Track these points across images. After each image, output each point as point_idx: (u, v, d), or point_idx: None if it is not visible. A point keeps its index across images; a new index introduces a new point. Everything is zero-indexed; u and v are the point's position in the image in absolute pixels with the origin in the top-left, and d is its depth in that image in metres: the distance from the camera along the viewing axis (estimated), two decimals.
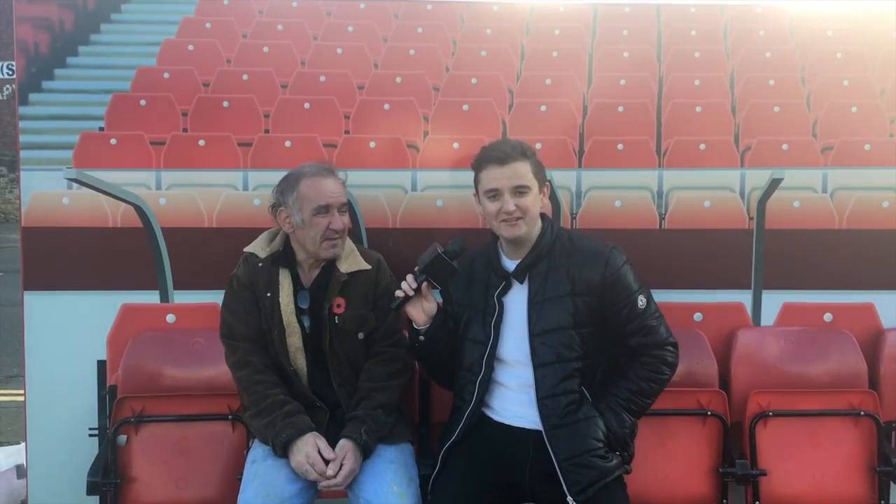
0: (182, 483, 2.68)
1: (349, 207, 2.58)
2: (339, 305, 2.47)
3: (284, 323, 2.44)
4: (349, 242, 2.56)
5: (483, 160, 2.33)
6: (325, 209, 2.41)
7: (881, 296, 3.09)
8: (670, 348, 2.33)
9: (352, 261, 2.51)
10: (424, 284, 2.27)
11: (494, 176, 2.28)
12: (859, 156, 3.39)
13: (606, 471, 2.24)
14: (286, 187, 2.47)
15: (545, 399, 2.26)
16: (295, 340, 2.46)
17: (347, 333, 2.48)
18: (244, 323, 2.47)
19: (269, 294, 2.45)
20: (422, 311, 2.31)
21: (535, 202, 2.30)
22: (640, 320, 2.29)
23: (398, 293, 2.27)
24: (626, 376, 2.31)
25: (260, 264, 2.48)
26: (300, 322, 2.46)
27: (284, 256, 2.49)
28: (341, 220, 2.42)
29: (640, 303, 2.29)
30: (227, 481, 2.66)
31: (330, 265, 2.48)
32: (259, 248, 2.51)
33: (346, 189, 2.52)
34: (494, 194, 2.29)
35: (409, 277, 2.27)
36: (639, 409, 2.31)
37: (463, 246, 2.30)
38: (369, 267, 2.52)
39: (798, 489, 2.75)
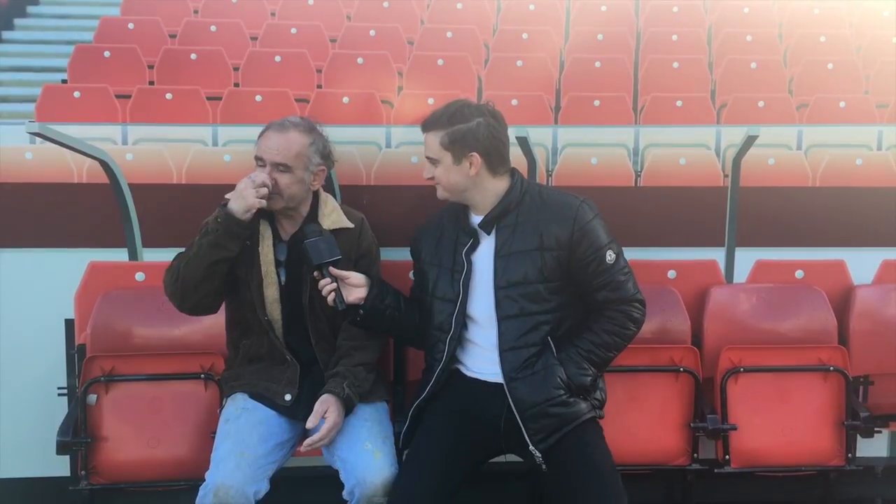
0: (154, 442, 2.66)
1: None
2: None
3: (263, 273, 2.42)
4: (332, 200, 2.53)
5: None
6: (260, 160, 2.39)
7: (852, 253, 3.12)
8: (637, 305, 2.32)
9: (335, 218, 2.48)
10: (330, 269, 2.28)
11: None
12: (834, 113, 3.39)
13: (570, 417, 2.25)
14: (261, 132, 2.46)
15: (506, 352, 2.27)
16: (272, 292, 2.43)
17: None
18: None
19: (248, 243, 2.42)
20: (355, 290, 2.32)
21: (448, 173, 2.28)
22: (608, 275, 2.28)
23: (329, 298, 2.29)
24: (591, 329, 2.31)
25: None
26: (277, 274, 2.44)
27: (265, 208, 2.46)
28: (270, 178, 2.35)
29: (608, 257, 2.27)
30: (199, 440, 2.64)
31: (311, 221, 2.45)
32: None
33: (309, 151, 2.41)
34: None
35: (322, 282, 2.30)
36: (600, 360, 2.31)
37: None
38: (352, 226, 2.49)
39: (767, 443, 2.79)
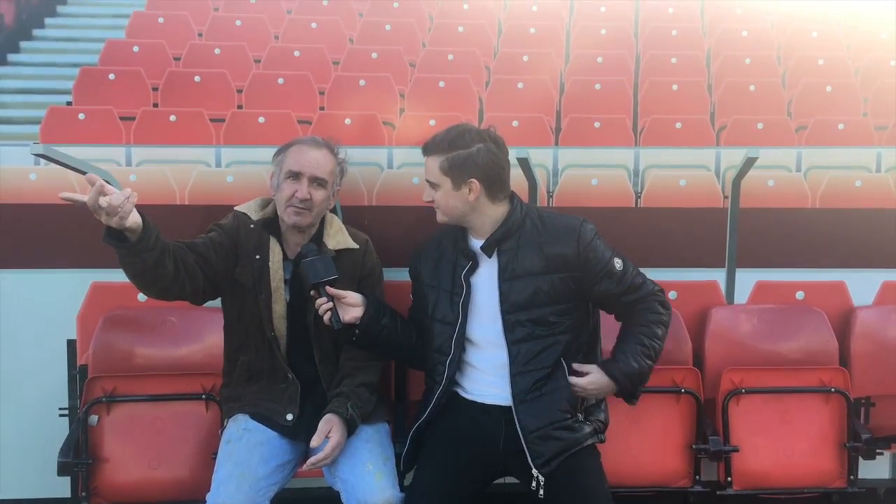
0: (155, 463, 2.65)
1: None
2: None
3: (272, 288, 2.43)
4: (337, 221, 2.55)
5: None
6: (295, 175, 2.40)
7: (852, 274, 3.12)
8: (658, 293, 2.37)
9: (340, 238, 2.50)
10: (327, 289, 2.28)
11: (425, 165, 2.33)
12: (833, 135, 3.41)
13: (573, 441, 2.25)
14: (281, 149, 2.48)
15: (516, 375, 2.27)
16: (280, 308, 2.45)
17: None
18: (199, 242, 2.39)
19: (258, 256, 2.43)
20: (352, 309, 2.31)
21: (447, 197, 2.28)
22: (624, 282, 2.31)
23: (326, 317, 2.28)
24: (633, 328, 2.33)
25: (251, 225, 2.46)
26: (283, 291, 2.45)
27: (275, 224, 2.47)
28: (307, 191, 2.39)
29: (617, 266, 2.31)
30: (200, 461, 2.64)
31: (316, 241, 2.47)
32: (252, 210, 2.50)
33: (337, 170, 2.49)
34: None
35: (317, 302, 2.29)
36: (655, 353, 2.32)
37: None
38: (357, 246, 2.51)
39: (769, 465, 2.78)
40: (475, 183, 2.25)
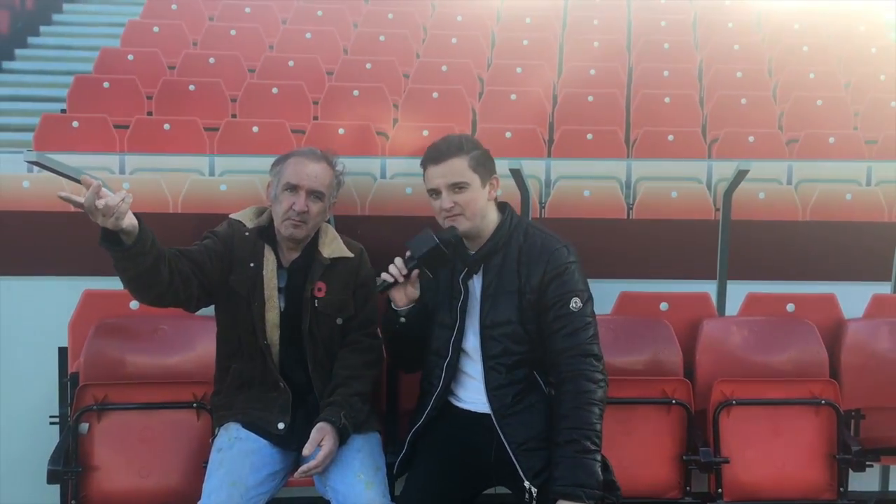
0: (145, 472, 2.64)
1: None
2: (319, 289, 2.46)
3: (265, 297, 2.43)
4: (332, 230, 2.57)
5: (423, 160, 2.32)
6: (293, 188, 2.41)
7: (842, 287, 3.14)
8: (592, 360, 2.21)
9: (335, 247, 2.51)
10: (415, 272, 2.26)
11: (432, 175, 2.28)
12: (824, 148, 3.43)
13: None
14: (279, 160, 2.49)
15: (493, 390, 2.28)
16: (273, 316, 2.44)
17: (327, 317, 2.47)
18: (194, 249, 2.40)
19: (252, 264, 2.44)
20: (404, 295, 2.31)
21: (477, 197, 2.27)
22: (566, 320, 2.23)
23: (385, 276, 2.25)
24: (559, 424, 2.17)
25: (246, 233, 2.47)
26: (277, 299, 2.45)
27: (269, 233, 2.48)
28: (305, 204, 2.40)
29: (572, 304, 2.23)
30: (191, 470, 2.63)
31: (311, 249, 2.48)
32: (247, 218, 2.51)
33: (335, 183, 2.49)
34: (434, 193, 2.29)
35: (399, 262, 2.25)
36: (594, 443, 2.16)
37: (457, 235, 2.27)
38: (352, 255, 2.52)
39: (760, 476, 2.79)
40: (496, 179, 2.32)
